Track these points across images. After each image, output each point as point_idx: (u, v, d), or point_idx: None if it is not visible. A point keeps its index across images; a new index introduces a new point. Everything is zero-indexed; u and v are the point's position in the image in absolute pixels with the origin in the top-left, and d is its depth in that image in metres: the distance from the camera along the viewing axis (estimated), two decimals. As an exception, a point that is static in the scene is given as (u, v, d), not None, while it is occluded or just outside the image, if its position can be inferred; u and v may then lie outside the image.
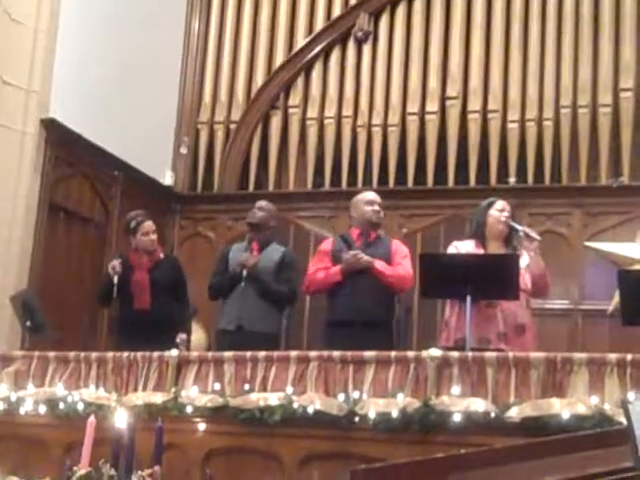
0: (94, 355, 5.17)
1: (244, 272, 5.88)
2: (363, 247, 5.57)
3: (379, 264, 5.51)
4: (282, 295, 5.99)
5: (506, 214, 5.26)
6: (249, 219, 6.18)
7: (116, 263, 6.02)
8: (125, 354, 5.03)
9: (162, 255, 6.31)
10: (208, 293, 6.19)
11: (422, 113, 8.77)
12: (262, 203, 6.23)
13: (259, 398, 4.43)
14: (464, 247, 5.27)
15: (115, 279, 5.96)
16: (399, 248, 5.71)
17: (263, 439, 4.41)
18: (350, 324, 5.35)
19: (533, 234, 5.20)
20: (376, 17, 9.16)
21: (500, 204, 5.31)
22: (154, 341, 5.28)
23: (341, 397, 4.30)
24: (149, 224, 6.18)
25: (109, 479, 3.27)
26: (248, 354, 4.66)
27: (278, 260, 6.03)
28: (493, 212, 5.27)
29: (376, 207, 5.70)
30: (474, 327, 4.92)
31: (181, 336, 6.10)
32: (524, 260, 5.14)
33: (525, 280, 5.11)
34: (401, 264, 5.60)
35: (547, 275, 5.26)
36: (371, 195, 5.83)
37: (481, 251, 5.21)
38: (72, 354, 5.22)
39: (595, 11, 8.51)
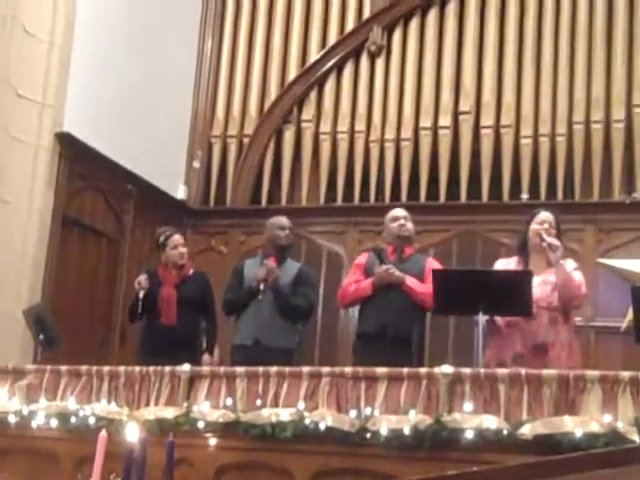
0: (106, 369, 5.17)
1: (262, 286, 5.87)
2: (397, 263, 5.61)
3: (410, 280, 5.52)
4: (301, 309, 6.01)
5: (546, 226, 5.15)
6: (281, 241, 6.10)
7: (142, 278, 6.02)
8: (137, 368, 5.03)
9: (191, 271, 6.32)
10: (223, 309, 6.20)
11: (435, 128, 8.77)
12: (285, 222, 6.18)
13: (271, 414, 4.41)
14: (503, 264, 5.26)
15: (141, 294, 5.96)
16: (433, 266, 5.63)
17: (274, 455, 4.40)
18: (378, 338, 5.39)
19: (553, 244, 5.04)
20: (389, 31, 9.17)
21: (540, 217, 5.22)
22: (178, 357, 5.16)
23: (353, 413, 4.28)
24: (177, 237, 6.23)
25: (120, 494, 3.27)
26: (260, 369, 4.65)
27: (294, 275, 6.05)
28: (534, 225, 5.20)
29: (401, 221, 5.74)
30: (494, 348, 4.90)
31: (205, 359, 6.03)
32: (552, 276, 5.07)
33: (547, 296, 5.05)
34: None
35: (574, 285, 5.08)
36: (395, 212, 5.88)
37: (520, 267, 5.16)
38: (84, 368, 5.21)
39: (608, 26, 8.51)
